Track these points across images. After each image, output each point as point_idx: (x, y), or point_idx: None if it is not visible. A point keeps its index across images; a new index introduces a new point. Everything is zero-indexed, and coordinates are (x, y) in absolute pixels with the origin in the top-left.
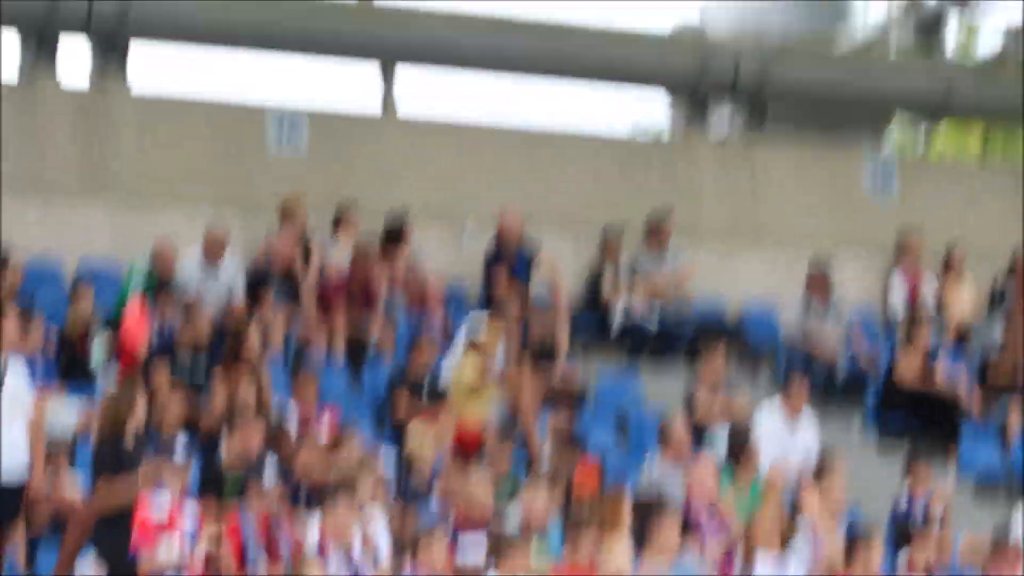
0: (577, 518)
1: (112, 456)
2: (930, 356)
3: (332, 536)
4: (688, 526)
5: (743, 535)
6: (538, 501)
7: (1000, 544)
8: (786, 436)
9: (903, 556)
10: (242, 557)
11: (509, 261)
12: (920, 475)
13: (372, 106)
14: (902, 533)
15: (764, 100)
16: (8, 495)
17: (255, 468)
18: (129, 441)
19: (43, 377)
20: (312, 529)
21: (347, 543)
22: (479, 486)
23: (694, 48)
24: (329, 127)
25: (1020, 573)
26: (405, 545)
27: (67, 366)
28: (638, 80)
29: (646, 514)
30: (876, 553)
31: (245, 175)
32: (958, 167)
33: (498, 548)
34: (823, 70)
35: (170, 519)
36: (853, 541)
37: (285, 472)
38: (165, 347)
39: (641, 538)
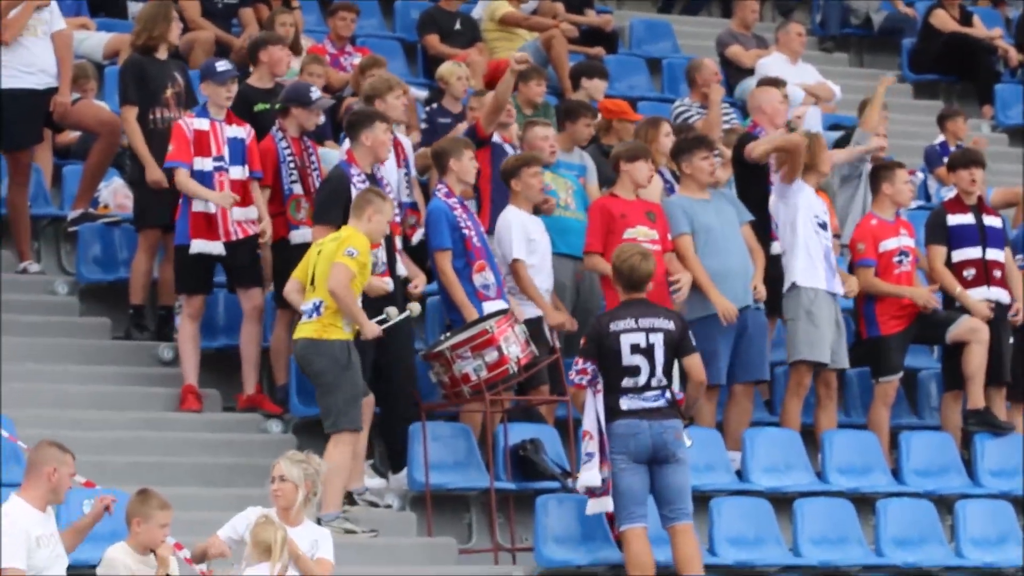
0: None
1: (141, 69)
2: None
3: (361, 159)
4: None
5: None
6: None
7: None
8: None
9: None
10: (277, 176)
11: None
12: (954, 123)
13: None
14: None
15: None
16: (38, 96)
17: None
18: (161, 55)
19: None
20: (341, 151)
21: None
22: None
23: None
24: None
25: None
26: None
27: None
28: None
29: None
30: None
31: None
32: None
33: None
34: None
35: (212, 132)
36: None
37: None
38: None
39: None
